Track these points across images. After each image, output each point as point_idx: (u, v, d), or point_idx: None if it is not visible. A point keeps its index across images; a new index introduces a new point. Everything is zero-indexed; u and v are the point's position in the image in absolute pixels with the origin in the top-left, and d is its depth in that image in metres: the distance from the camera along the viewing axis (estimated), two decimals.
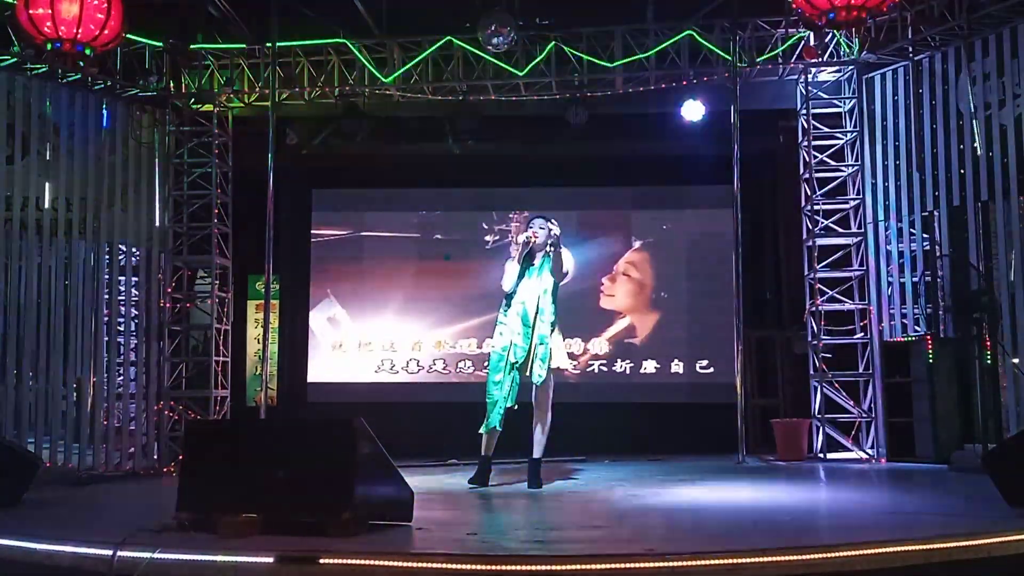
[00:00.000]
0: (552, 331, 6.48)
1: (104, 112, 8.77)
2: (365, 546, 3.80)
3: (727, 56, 8.80)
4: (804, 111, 9.02)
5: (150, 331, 9.02)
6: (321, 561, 3.48)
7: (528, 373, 6.40)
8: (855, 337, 8.88)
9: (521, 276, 6.47)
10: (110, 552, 3.66)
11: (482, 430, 6.41)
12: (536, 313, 6.40)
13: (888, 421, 8.40)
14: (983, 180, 8.01)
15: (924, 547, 3.58)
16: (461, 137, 9.61)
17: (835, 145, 9.11)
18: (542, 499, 5.91)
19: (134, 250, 9.01)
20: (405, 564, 3.43)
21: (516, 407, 6.38)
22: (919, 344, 8.11)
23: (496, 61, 9.03)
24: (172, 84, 9.25)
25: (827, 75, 9.14)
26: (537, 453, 6.44)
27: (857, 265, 8.94)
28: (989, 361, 7.45)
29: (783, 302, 10.73)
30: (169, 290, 9.19)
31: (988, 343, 7.47)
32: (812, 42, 8.65)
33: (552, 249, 6.50)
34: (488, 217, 10.85)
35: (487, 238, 6.52)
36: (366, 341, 10.98)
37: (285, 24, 8.82)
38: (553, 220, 6.64)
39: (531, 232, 6.50)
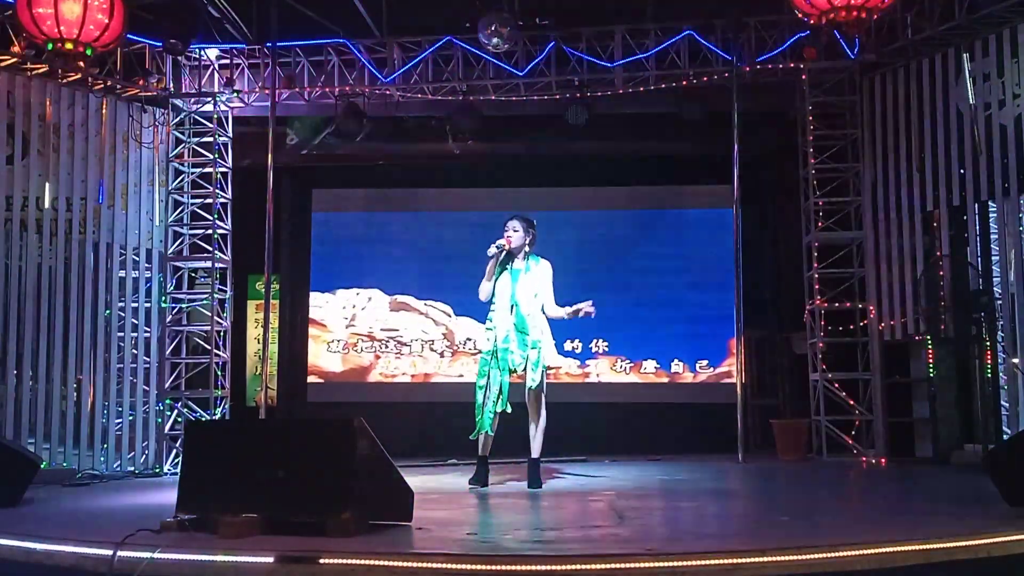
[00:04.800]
0: (543, 333, 6.42)
1: (104, 112, 8.77)
2: (365, 546, 3.79)
3: (727, 56, 8.80)
4: (804, 111, 9.02)
5: (150, 331, 9.03)
6: (321, 561, 3.48)
7: (523, 378, 6.36)
8: (855, 337, 8.88)
9: (499, 278, 6.38)
10: (110, 552, 3.66)
11: (472, 436, 6.40)
12: (531, 318, 6.37)
13: (888, 421, 8.41)
14: (983, 180, 8.01)
15: (924, 547, 3.57)
16: (460, 136, 9.60)
17: (835, 145, 9.11)
18: (542, 499, 5.91)
19: (134, 250, 9.01)
20: (405, 564, 3.43)
21: (510, 411, 6.36)
22: (919, 344, 8.11)
23: (496, 61, 9.03)
24: (172, 84, 9.26)
25: (827, 75, 9.13)
26: (535, 453, 6.44)
27: (857, 265, 8.94)
28: (989, 363, 7.44)
29: (783, 302, 10.73)
30: (169, 290, 9.21)
31: (988, 343, 7.46)
32: (812, 42, 8.65)
33: (531, 248, 6.47)
34: (488, 217, 10.86)
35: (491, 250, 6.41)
36: (366, 341, 10.99)
37: (285, 24, 8.83)
38: (530, 218, 6.56)
39: (505, 238, 6.41)
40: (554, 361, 6.54)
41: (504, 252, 6.37)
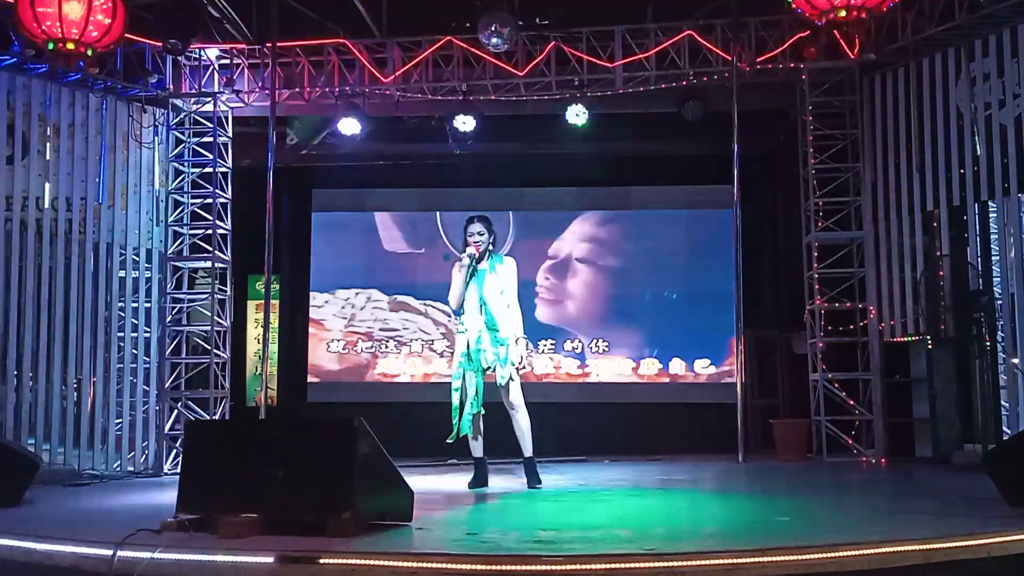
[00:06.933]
0: (511, 330, 6.37)
1: (104, 112, 8.77)
2: (365, 546, 3.79)
3: (727, 56, 8.80)
4: (804, 111, 9.03)
5: (150, 331, 9.03)
6: (321, 561, 3.48)
7: (493, 378, 6.35)
8: (855, 337, 8.89)
9: (468, 284, 6.38)
10: (110, 552, 3.66)
11: (450, 440, 6.39)
12: (500, 316, 6.35)
13: (888, 421, 8.41)
14: (983, 180, 8.02)
15: (924, 547, 3.57)
16: (460, 136, 9.59)
17: (835, 145, 9.11)
18: (542, 499, 5.91)
19: (134, 250, 9.01)
20: (405, 564, 3.43)
21: (484, 412, 6.37)
22: (919, 344, 8.12)
23: (496, 61, 9.04)
24: (172, 84, 9.26)
25: (827, 75, 9.14)
26: (528, 451, 6.43)
27: (857, 265, 8.95)
28: (989, 363, 7.45)
29: (783, 302, 10.74)
30: (169, 290, 9.20)
31: (988, 343, 7.47)
32: (812, 42, 8.65)
33: (494, 247, 6.48)
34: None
35: (468, 250, 6.45)
36: (365, 341, 10.99)
37: (285, 24, 8.83)
38: (489, 218, 6.56)
39: (472, 245, 6.39)
40: (515, 358, 6.41)
41: (475, 259, 6.41)
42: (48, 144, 8.35)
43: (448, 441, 6.39)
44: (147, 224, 9.13)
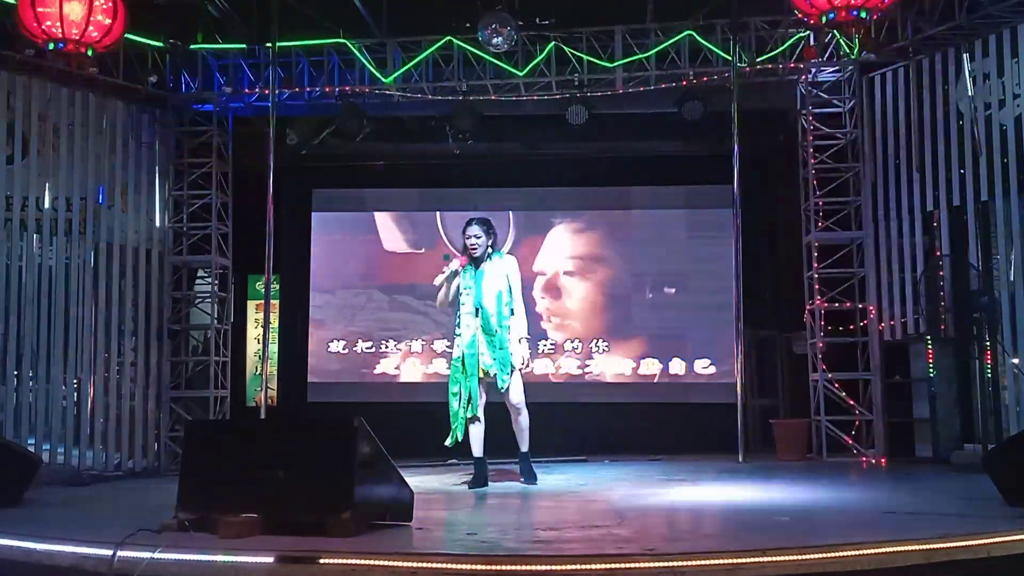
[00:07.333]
0: (511, 331, 6.38)
1: (104, 112, 8.77)
2: (365, 546, 3.80)
3: (727, 56, 8.80)
4: (804, 111, 9.02)
5: (150, 331, 9.02)
6: (321, 561, 3.49)
7: (492, 380, 6.35)
8: (855, 337, 8.88)
9: (463, 283, 6.39)
10: (110, 552, 3.67)
11: (449, 443, 6.40)
12: (497, 318, 6.35)
13: (888, 421, 8.41)
14: (983, 180, 8.01)
15: (924, 547, 3.58)
16: (461, 136, 9.59)
17: (835, 145, 9.11)
18: (542, 499, 5.92)
19: (134, 250, 9.01)
20: (405, 564, 3.43)
21: (480, 416, 6.37)
22: (919, 344, 8.11)
23: (496, 61, 9.04)
24: (172, 84, 9.26)
25: (827, 75, 9.14)
26: (524, 447, 6.46)
27: (857, 265, 8.94)
28: (989, 363, 7.44)
29: (783, 302, 10.73)
30: (169, 290, 9.20)
31: (988, 343, 7.46)
32: (812, 42, 8.66)
33: (493, 248, 6.47)
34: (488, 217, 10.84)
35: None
36: (366, 340, 10.99)
37: (285, 24, 8.83)
38: (488, 219, 6.57)
39: (470, 247, 6.40)
40: (517, 362, 6.41)
41: (462, 268, 6.41)
42: (48, 144, 8.35)
43: (447, 444, 6.40)
44: (147, 224, 9.13)
